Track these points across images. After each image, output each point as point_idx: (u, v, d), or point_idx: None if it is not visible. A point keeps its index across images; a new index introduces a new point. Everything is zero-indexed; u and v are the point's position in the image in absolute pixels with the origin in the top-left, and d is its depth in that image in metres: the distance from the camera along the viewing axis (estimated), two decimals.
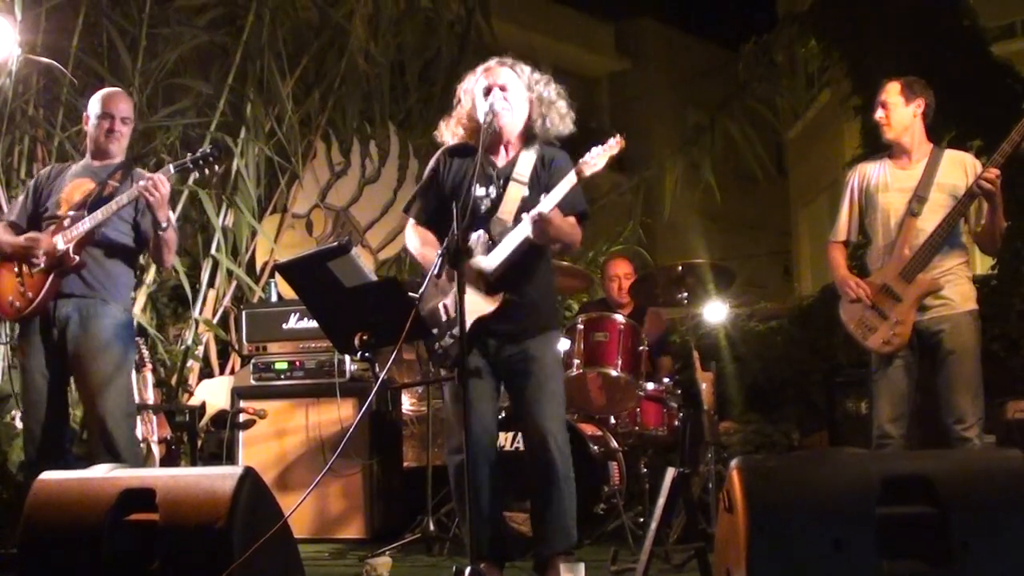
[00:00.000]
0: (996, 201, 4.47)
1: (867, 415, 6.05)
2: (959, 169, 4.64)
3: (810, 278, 17.31)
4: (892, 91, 4.71)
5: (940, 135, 5.67)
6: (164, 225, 4.54)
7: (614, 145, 4.09)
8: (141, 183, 4.42)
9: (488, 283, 4.04)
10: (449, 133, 4.29)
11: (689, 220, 13.61)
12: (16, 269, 4.53)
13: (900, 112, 4.69)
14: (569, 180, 4.06)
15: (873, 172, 4.79)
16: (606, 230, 10.68)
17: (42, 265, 4.46)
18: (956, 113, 7.08)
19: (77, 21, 7.55)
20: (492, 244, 4.07)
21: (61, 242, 4.47)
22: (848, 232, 4.84)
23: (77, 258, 4.48)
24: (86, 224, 4.47)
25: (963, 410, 4.45)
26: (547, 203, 3.99)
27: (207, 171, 4.79)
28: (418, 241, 4.26)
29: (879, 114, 4.73)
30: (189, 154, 4.65)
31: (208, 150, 4.64)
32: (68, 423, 4.86)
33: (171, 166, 4.55)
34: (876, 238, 4.74)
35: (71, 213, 4.54)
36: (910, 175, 4.68)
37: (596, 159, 4.07)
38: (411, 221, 4.32)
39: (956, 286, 4.58)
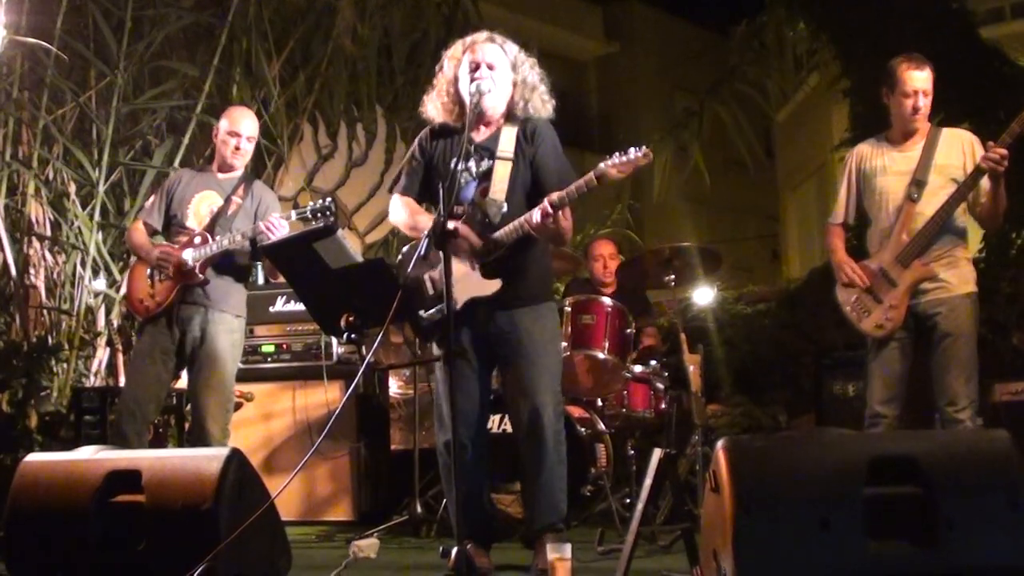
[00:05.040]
0: (1000, 180, 4.45)
1: (854, 397, 6.06)
2: (957, 148, 4.60)
3: (798, 261, 17.33)
4: (930, 79, 4.63)
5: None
6: None
7: (641, 157, 3.85)
8: (262, 224, 4.88)
9: (483, 263, 4.02)
10: (432, 106, 4.26)
11: (677, 204, 13.60)
12: (148, 273, 5.10)
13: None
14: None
15: (869, 154, 4.76)
16: (594, 212, 10.66)
17: (171, 275, 5.01)
18: (944, 96, 7.02)
19: (61, 2, 7.49)
20: (488, 224, 4.03)
21: (190, 259, 4.98)
22: (846, 215, 4.83)
23: (202, 276, 5.02)
24: (213, 248, 4.99)
25: (956, 392, 4.44)
26: (559, 201, 3.87)
27: (323, 223, 5.11)
28: (406, 211, 4.24)
29: (923, 102, 4.64)
30: (310, 204, 5.02)
31: (327, 203, 4.96)
32: (158, 410, 5.28)
33: (293, 212, 5.00)
34: (875, 221, 4.72)
35: (199, 232, 5.05)
36: (908, 157, 4.65)
37: (622, 168, 3.85)
38: (396, 195, 4.29)
39: (954, 268, 4.55)
